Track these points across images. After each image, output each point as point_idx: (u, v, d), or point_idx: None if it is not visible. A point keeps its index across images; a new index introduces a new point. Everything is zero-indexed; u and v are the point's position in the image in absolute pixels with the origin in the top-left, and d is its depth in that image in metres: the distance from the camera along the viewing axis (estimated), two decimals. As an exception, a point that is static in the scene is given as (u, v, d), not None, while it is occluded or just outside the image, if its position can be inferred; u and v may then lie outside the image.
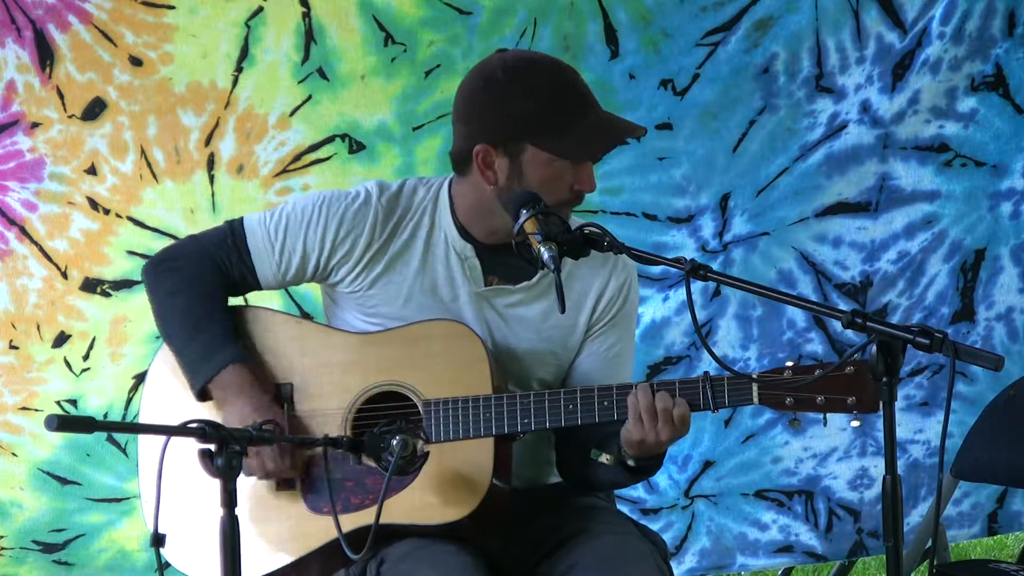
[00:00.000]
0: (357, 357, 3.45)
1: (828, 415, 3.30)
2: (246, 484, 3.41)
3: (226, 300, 3.52)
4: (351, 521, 3.35)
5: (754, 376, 3.29)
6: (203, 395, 3.44)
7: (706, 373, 3.31)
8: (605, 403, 3.34)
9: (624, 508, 3.74)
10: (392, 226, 3.49)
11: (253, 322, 3.53)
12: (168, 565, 4.07)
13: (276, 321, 3.53)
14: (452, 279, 3.50)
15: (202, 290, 3.48)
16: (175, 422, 2.92)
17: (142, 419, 3.57)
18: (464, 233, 3.49)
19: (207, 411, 3.45)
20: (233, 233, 3.52)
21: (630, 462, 3.37)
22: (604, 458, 3.39)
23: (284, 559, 3.41)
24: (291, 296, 4.44)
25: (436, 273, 3.50)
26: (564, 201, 3.37)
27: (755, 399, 3.29)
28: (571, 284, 3.52)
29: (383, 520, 3.29)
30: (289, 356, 3.49)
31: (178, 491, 3.38)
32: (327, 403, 3.45)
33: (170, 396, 3.53)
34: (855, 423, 3.22)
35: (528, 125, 3.35)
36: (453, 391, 3.38)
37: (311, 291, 4.18)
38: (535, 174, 3.36)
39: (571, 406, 3.35)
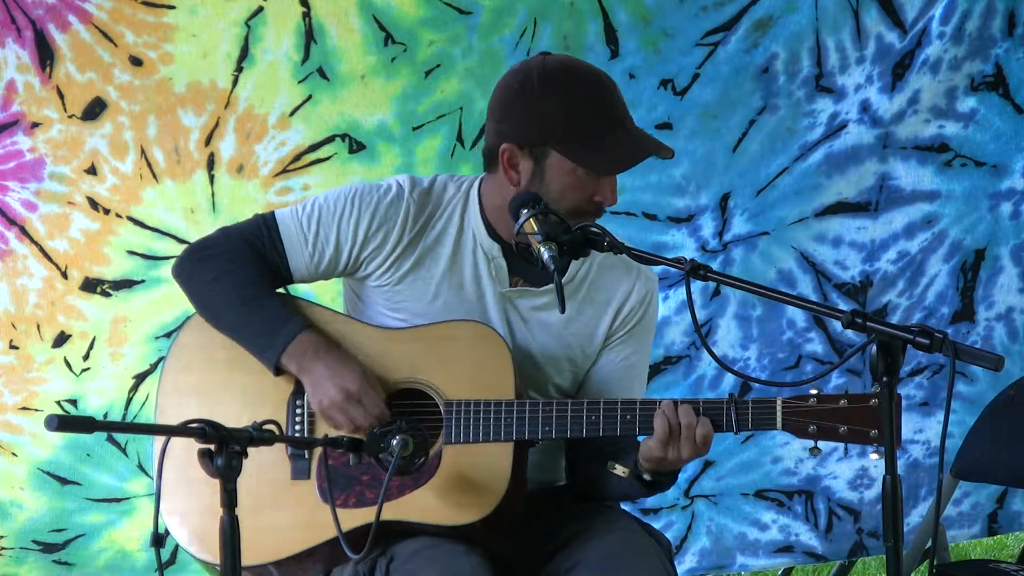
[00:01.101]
0: (383, 351, 3.45)
1: (848, 446, 3.31)
2: (262, 472, 3.40)
3: (271, 278, 3.50)
4: (364, 516, 3.35)
5: (778, 404, 3.29)
6: (279, 371, 3.44)
7: (731, 395, 3.31)
8: (628, 417, 3.33)
9: (624, 507, 3.74)
10: (423, 222, 3.49)
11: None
12: (170, 564, 4.08)
13: (308, 310, 3.51)
14: (479, 278, 3.50)
15: (244, 270, 3.46)
16: (196, 412, 2.90)
17: (159, 407, 3.53)
18: (492, 232, 3.49)
19: (286, 383, 3.45)
20: (265, 224, 3.50)
21: (646, 476, 3.37)
22: (619, 470, 3.38)
23: (294, 547, 3.41)
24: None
25: (463, 271, 3.50)
26: (583, 211, 3.35)
27: (779, 425, 3.29)
28: (595, 292, 3.53)
29: (395, 517, 3.31)
30: None
31: (193, 471, 3.36)
32: None
33: (189, 386, 3.51)
34: (874, 456, 3.23)
35: (555, 131, 3.35)
36: (475, 393, 3.37)
37: (311, 290, 4.17)
38: (557, 180, 3.36)
39: (594, 417, 3.35)
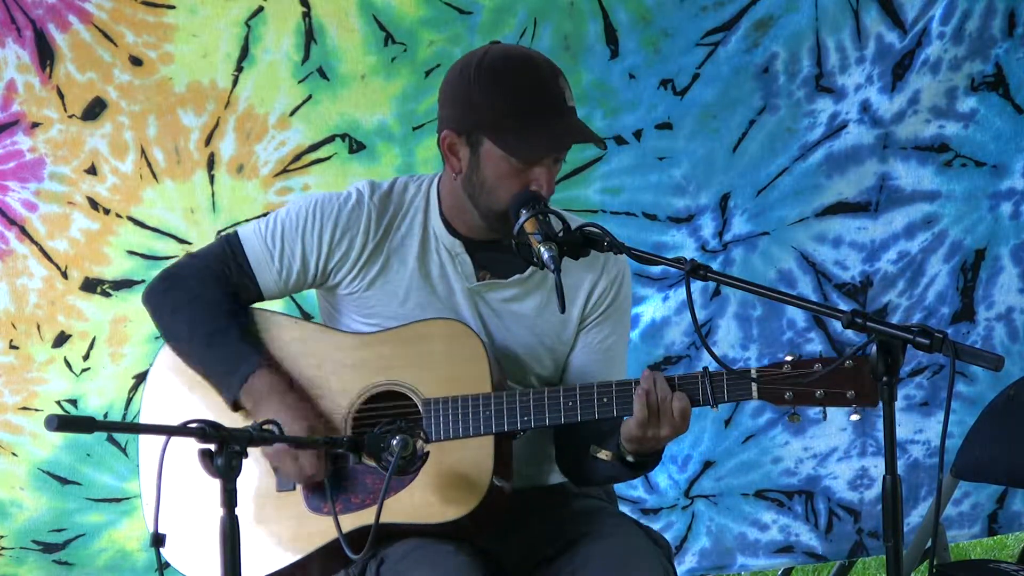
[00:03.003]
0: (357, 357, 3.45)
1: (828, 410, 3.29)
2: (247, 485, 3.41)
3: (233, 307, 3.50)
4: (351, 521, 3.35)
5: (753, 373, 3.29)
6: (236, 407, 3.44)
7: (705, 368, 3.31)
8: (604, 400, 3.34)
9: (624, 508, 3.73)
10: (386, 225, 3.50)
11: (255, 324, 3.52)
12: (168, 565, 4.07)
13: (277, 323, 3.53)
14: (446, 275, 3.51)
15: (206, 302, 3.47)
16: (176, 422, 2.91)
17: (143, 419, 3.57)
18: (451, 229, 3.50)
19: (241, 419, 3.44)
20: (230, 245, 3.51)
21: (629, 458, 3.37)
22: (603, 454, 3.39)
23: (285, 560, 3.41)
24: (291, 297, 4.43)
25: (431, 271, 3.51)
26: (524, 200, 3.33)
27: (754, 394, 3.28)
28: (563, 278, 3.50)
29: (383, 520, 3.30)
30: (290, 358, 3.48)
31: (179, 491, 3.39)
32: (328, 404, 3.45)
33: (172, 396, 3.53)
34: (855, 417, 3.22)
35: (486, 119, 3.36)
36: (453, 390, 3.38)
37: (312, 292, 4.17)
38: (491, 168, 3.38)
39: (570, 403, 3.35)
